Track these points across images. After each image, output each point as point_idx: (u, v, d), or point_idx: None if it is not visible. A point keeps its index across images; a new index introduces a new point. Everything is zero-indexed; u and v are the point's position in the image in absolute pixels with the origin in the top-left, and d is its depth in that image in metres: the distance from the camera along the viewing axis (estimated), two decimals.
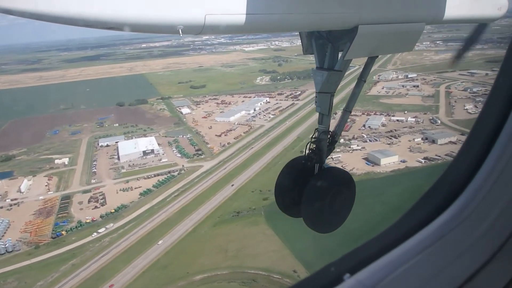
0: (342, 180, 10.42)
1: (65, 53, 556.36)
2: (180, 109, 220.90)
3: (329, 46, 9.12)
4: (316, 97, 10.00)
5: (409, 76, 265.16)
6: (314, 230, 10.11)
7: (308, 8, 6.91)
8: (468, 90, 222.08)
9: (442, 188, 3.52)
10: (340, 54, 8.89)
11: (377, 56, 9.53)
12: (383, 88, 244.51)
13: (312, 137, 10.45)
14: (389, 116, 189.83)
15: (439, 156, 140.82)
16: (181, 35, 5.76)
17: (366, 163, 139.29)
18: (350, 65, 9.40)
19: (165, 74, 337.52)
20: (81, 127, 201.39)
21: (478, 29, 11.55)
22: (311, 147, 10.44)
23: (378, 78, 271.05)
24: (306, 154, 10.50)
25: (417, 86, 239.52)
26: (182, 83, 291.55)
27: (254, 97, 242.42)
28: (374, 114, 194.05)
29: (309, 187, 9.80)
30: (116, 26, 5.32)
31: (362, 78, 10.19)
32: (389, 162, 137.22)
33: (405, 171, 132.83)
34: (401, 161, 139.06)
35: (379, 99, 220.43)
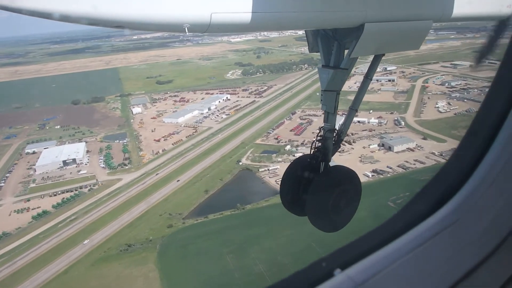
0: (348, 179, 10.02)
1: (55, 46, 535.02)
2: (132, 108, 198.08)
3: (335, 44, 8.69)
4: (321, 95, 9.40)
5: (388, 68, 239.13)
6: (319, 228, 9.62)
7: (314, 6, 6.65)
8: (446, 84, 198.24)
9: (440, 185, 3.44)
10: (346, 52, 8.43)
11: (384, 54, 8.90)
12: (355, 83, 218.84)
13: (317, 135, 9.70)
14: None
15: (390, 168, 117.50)
16: (187, 34, 5.53)
17: None
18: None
19: (139, 68, 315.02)
20: (21, 129, 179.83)
21: (498, 29, 10.45)
22: (316, 145, 9.72)
23: (355, 71, 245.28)
24: (311, 153, 9.78)
25: (393, 81, 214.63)
26: (151, 78, 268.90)
27: (217, 93, 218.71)
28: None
29: (314, 186, 9.42)
30: (123, 25, 5.14)
31: (368, 76, 9.72)
32: None
33: None
34: None
35: (348, 96, 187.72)
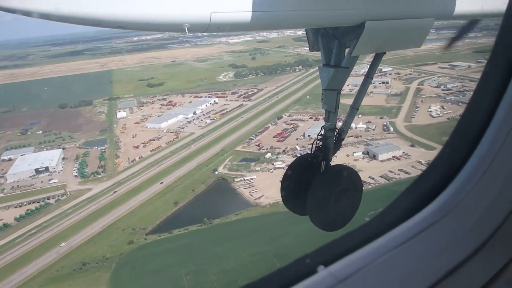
0: (349, 178, 9.97)
1: (56, 48, 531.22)
2: (118, 112, 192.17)
3: (335, 43, 8.60)
4: (322, 94, 9.36)
5: (383, 70, 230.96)
6: (319, 227, 9.45)
7: (314, 5, 6.62)
8: (442, 86, 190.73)
9: (426, 182, 3.36)
10: (347, 51, 8.33)
11: (385, 53, 8.83)
12: (348, 85, 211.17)
13: (318, 135, 9.79)
14: (339, 120, 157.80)
15: (372, 179, 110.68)
16: (187, 34, 5.56)
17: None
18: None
19: (133, 70, 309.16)
20: (4, 134, 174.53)
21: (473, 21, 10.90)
22: (317, 144, 9.80)
23: (355, 71, 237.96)
24: (312, 152, 9.89)
25: (387, 83, 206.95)
26: (142, 81, 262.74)
27: (206, 96, 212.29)
28: (323, 118, 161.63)
29: (315, 185, 9.44)
30: (123, 25, 5.20)
31: (369, 75, 9.66)
32: None
33: None
34: None
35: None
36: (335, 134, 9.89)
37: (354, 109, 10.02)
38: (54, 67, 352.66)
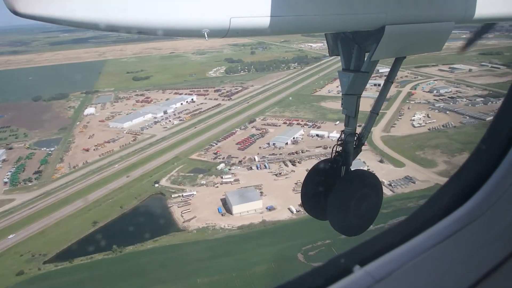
0: (369, 183, 9.80)
1: (65, 34, 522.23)
2: (87, 108, 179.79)
3: (355, 47, 8.54)
4: (342, 99, 9.17)
5: (380, 70, 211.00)
6: (339, 232, 9.50)
7: (334, 9, 6.58)
8: (435, 91, 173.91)
9: (457, 185, 3.42)
10: (366, 55, 8.26)
11: (405, 57, 8.72)
12: (337, 87, 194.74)
13: (338, 140, 9.61)
14: (314, 127, 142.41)
15: None
16: (206, 39, 5.51)
17: (219, 210, 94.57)
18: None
19: (128, 61, 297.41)
20: None
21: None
22: (337, 149, 9.59)
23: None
24: (332, 157, 9.67)
25: (379, 85, 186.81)
26: (130, 73, 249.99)
27: (186, 93, 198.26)
28: (297, 124, 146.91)
29: (335, 190, 9.37)
30: (145, 31, 5.24)
31: (389, 80, 9.55)
32: (246, 211, 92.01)
33: (258, 228, 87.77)
34: (267, 208, 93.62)
35: (322, 101, 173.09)
36: (355, 139, 9.48)
37: (374, 113, 9.62)
38: (52, 55, 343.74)
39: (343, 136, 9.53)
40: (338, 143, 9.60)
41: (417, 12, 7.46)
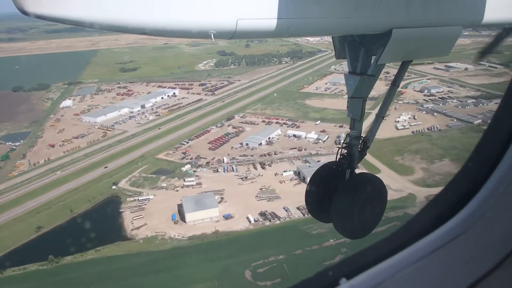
0: (374, 186, 9.40)
1: None
2: (64, 100, 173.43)
3: (362, 51, 8.28)
4: (348, 102, 8.98)
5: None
6: (343, 235, 9.28)
7: (341, 12, 6.54)
8: (426, 91, 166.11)
9: (450, 195, 3.42)
10: (373, 59, 8.04)
11: (411, 61, 8.46)
12: (326, 83, 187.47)
13: (343, 143, 9.22)
14: (294, 127, 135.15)
15: (286, 211, 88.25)
16: (213, 40, 5.51)
17: (173, 217, 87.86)
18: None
19: (120, 52, 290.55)
20: None
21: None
22: (342, 152, 9.24)
23: (335, 69, 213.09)
24: (337, 160, 9.31)
25: None
26: (118, 64, 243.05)
27: (170, 87, 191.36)
28: (277, 122, 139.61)
29: (339, 192, 9.09)
30: (147, 32, 5.18)
31: (395, 83, 9.13)
32: (201, 219, 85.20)
33: (209, 239, 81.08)
34: (224, 216, 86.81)
35: (307, 99, 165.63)
36: (360, 142, 9.18)
37: (380, 117, 9.42)
38: (46, 43, 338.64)
39: (348, 139, 9.19)
40: (343, 146, 9.20)
41: (425, 16, 7.30)
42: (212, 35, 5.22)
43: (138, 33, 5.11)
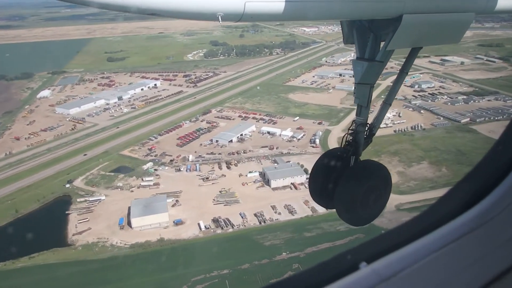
0: (378, 173, 9.21)
1: (67, 10, 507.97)
2: (43, 90, 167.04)
3: (371, 36, 8.01)
4: (354, 88, 8.56)
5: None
6: (346, 222, 9.22)
7: None
8: (416, 86, 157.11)
9: (468, 187, 3.36)
10: (382, 45, 7.88)
11: (421, 48, 8.07)
12: (314, 76, 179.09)
13: (349, 129, 8.91)
14: (270, 122, 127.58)
15: (242, 217, 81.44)
16: (220, 23, 5.48)
17: (120, 221, 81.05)
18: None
19: (113, 41, 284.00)
20: None
21: None
22: (347, 139, 8.97)
23: (326, 61, 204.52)
24: (342, 146, 9.07)
25: None
26: (108, 53, 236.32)
27: (154, 78, 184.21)
28: (253, 118, 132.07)
29: (344, 179, 8.84)
30: (156, 12, 5.12)
31: (404, 70, 8.87)
32: (149, 224, 78.40)
33: (153, 247, 74.25)
34: (174, 221, 79.93)
35: (290, 93, 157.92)
36: (366, 129, 8.90)
37: (387, 104, 9.11)
38: (42, 31, 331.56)
39: (354, 125, 8.84)
40: (349, 132, 8.84)
41: (436, 1, 7.14)
42: (219, 17, 5.11)
43: (145, 14, 4.96)
